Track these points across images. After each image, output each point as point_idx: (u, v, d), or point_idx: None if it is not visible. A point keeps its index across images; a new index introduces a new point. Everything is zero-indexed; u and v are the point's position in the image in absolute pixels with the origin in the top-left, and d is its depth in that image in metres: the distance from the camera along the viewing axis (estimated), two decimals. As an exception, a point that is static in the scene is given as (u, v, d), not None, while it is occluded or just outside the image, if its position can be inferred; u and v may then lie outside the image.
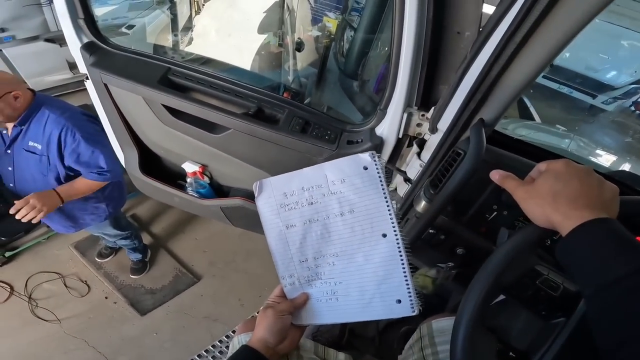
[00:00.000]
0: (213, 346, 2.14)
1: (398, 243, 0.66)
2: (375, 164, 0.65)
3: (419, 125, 0.99)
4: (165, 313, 2.39)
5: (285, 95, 1.68)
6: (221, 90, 1.04)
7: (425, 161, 1.00)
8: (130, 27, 2.11)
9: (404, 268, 0.66)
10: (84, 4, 1.02)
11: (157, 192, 1.34)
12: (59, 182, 1.62)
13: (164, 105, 1.06)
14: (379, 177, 0.65)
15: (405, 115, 0.96)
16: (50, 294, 2.39)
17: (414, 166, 1.06)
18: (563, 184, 0.52)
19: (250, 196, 1.24)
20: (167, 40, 2.09)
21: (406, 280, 0.67)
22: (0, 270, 2.43)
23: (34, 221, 1.50)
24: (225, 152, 1.11)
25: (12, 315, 2.29)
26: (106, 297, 2.42)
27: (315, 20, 1.99)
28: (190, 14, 2.06)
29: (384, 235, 0.67)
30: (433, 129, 0.92)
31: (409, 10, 0.77)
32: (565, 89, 2.69)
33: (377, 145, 1.01)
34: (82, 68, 1.11)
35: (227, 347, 1.90)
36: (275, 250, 0.74)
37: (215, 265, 2.65)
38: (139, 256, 2.46)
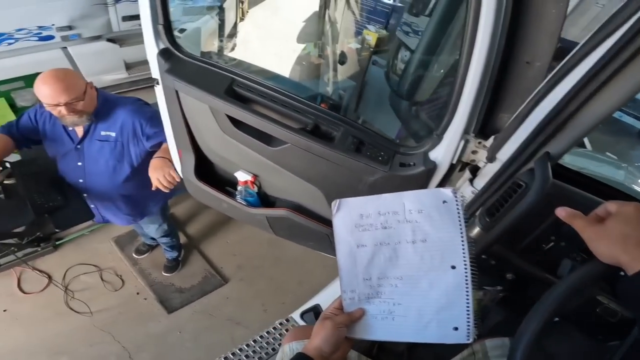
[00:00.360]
0: (233, 354, 2.14)
1: (466, 276, 0.68)
2: (456, 200, 0.68)
3: (474, 152, 0.98)
4: (191, 312, 2.44)
5: (322, 106, 1.69)
6: (280, 104, 1.07)
7: (478, 189, 0.99)
8: (182, 30, 2.19)
9: (467, 299, 0.69)
10: (165, 10, 1.06)
11: (207, 197, 1.39)
12: (131, 167, 1.73)
13: (227, 115, 1.10)
14: (458, 212, 0.68)
15: (462, 142, 0.96)
16: (86, 286, 2.48)
17: (465, 192, 1.05)
18: (632, 228, 0.55)
19: (295, 208, 1.27)
20: (213, 46, 2.15)
21: (467, 311, 0.69)
22: (42, 260, 2.52)
23: (177, 181, 1.52)
24: (279, 165, 1.15)
25: (46, 305, 2.37)
26: (138, 293, 2.49)
27: (360, 33, 1.99)
28: (236, 20, 2.09)
29: (453, 267, 0.69)
30: (492, 158, 0.91)
31: (482, 38, 0.77)
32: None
33: (430, 170, 1.01)
34: (155, 73, 1.15)
35: (247, 355, 1.90)
36: (343, 265, 0.77)
37: (243, 269, 2.70)
38: (174, 254, 2.54)
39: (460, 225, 0.68)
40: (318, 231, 1.27)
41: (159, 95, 1.21)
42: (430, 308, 0.72)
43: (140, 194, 1.89)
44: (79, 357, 2.17)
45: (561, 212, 0.62)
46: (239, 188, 1.31)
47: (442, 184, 1.09)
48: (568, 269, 0.79)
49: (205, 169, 1.37)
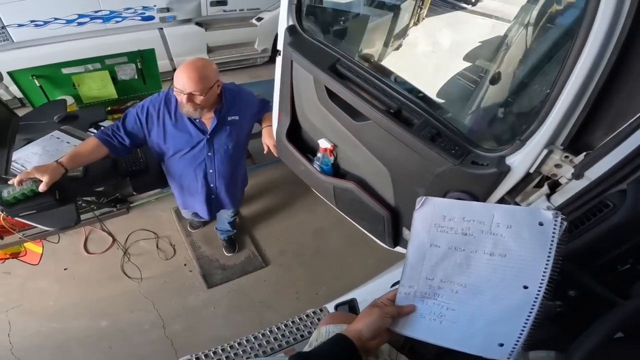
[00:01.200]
0: (262, 334, 2.18)
1: (536, 299, 0.68)
2: (555, 225, 0.67)
3: (557, 166, 0.95)
4: (228, 290, 2.53)
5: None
6: (372, 86, 1.16)
7: (555, 205, 0.96)
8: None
9: (527, 320, 0.69)
10: None
11: (290, 158, 1.53)
12: (245, 144, 1.93)
13: (325, 87, 1.22)
14: (553, 237, 0.67)
15: (544, 152, 0.93)
16: (142, 252, 2.62)
17: (540, 207, 1.01)
18: None
19: (361, 184, 1.34)
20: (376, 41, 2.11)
21: (522, 331, 0.69)
22: (111, 222, 2.69)
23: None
24: (358, 138, 1.24)
25: (103, 267, 2.52)
26: (185, 264, 2.61)
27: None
28: (409, 23, 2.14)
29: (525, 287, 0.69)
30: (579, 175, 0.88)
31: (588, 50, 0.74)
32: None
33: (503, 173, 0.99)
34: (280, 45, 1.33)
35: (275, 338, 1.94)
36: (410, 259, 0.79)
37: (284, 254, 2.76)
38: (232, 232, 2.65)
39: (550, 249, 0.67)
40: (376, 212, 1.32)
41: (278, 64, 1.38)
42: (483, 320, 0.73)
43: (242, 172, 2.07)
44: (117, 322, 2.30)
45: None
46: (318, 155, 1.41)
47: (512, 192, 1.06)
48: None
49: (295, 135, 1.52)
